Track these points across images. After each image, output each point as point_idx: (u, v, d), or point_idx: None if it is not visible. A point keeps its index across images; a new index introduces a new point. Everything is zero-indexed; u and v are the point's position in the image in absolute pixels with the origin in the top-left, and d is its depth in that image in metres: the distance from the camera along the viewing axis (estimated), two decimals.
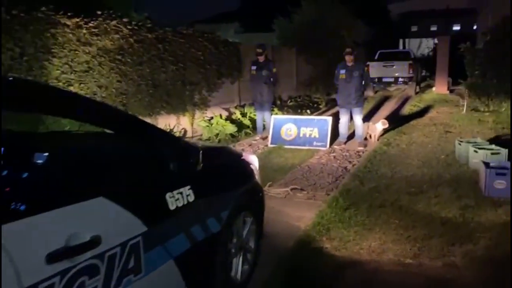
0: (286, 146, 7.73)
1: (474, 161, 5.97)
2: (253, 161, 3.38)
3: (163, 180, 2.22)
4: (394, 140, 8.12)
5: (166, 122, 7.72)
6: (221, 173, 2.75)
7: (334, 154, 7.16)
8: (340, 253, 3.72)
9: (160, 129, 2.42)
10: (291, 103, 11.97)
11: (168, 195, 2.18)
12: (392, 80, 16.84)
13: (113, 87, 6.21)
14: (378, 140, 8.05)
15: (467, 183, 5.38)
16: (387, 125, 8.03)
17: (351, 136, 8.17)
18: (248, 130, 8.96)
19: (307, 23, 15.67)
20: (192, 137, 8.32)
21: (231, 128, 8.31)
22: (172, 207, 2.18)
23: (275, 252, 3.65)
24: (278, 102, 11.70)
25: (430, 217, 4.41)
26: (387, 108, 13.16)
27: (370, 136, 8.12)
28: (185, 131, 8.22)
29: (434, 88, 17.62)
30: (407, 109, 12.77)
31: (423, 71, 21.98)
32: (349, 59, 7.47)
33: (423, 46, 33.20)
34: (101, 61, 5.96)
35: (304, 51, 14.34)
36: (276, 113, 10.34)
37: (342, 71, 7.56)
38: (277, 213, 4.53)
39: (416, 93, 16.91)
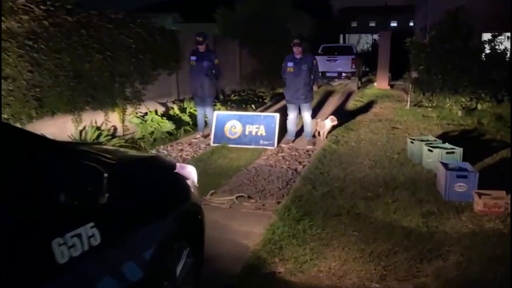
0: (230, 145, 7.06)
1: (429, 160, 5.68)
2: (190, 173, 2.68)
3: (47, 220, 1.47)
4: (343, 137, 7.73)
5: (93, 118, 6.75)
6: (143, 196, 2.02)
7: (282, 154, 6.60)
8: (296, 278, 3.14)
9: (45, 139, 1.65)
10: (234, 98, 11.31)
11: (56, 241, 1.44)
12: (335, 74, 16.73)
13: (23, 79, 5.18)
14: (326, 137, 7.62)
15: (424, 185, 5.03)
16: (336, 122, 7.61)
17: (299, 133, 7.66)
18: (188, 127, 8.18)
19: (250, 14, 15.04)
20: (124, 135, 7.40)
21: (168, 125, 7.49)
22: (62, 259, 1.44)
23: (219, 283, 2.99)
24: (221, 97, 11.00)
25: (391, 227, 3.96)
26: (332, 104, 12.92)
27: (319, 134, 7.66)
28: (115, 129, 7.28)
29: (375, 83, 17.76)
30: (351, 105, 12.59)
31: (364, 66, 22.24)
32: (297, 51, 6.93)
33: (362, 41, 33.84)
34: (6, 47, 4.92)
35: (248, 43, 13.70)
36: (219, 109, 9.65)
37: (290, 64, 7.00)
38: (221, 229, 3.85)
39: (358, 88, 16.93)
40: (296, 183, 5.15)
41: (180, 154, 6.57)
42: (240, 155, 6.52)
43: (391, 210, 4.32)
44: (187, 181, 2.55)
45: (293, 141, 7.35)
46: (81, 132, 6.35)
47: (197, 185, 2.79)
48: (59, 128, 6.02)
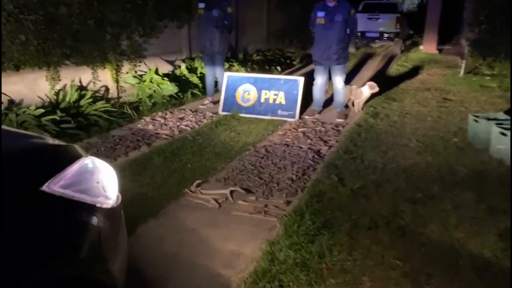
0: (242, 115, 5.79)
1: (500, 147, 4.20)
2: (96, 186, 1.41)
3: None
4: (383, 109, 6.27)
5: (76, 76, 5.57)
6: None
7: (304, 128, 5.24)
8: None
9: None
10: (257, 58, 9.86)
11: None
12: (376, 35, 14.91)
13: None
14: (362, 109, 6.18)
15: (495, 184, 3.62)
16: (376, 89, 6.12)
17: (328, 102, 6.25)
18: (196, 91, 6.91)
19: None
20: (118, 98, 6.21)
21: (170, 88, 6.24)
22: None
23: None
24: (241, 56, 9.58)
25: (454, 254, 2.63)
26: (371, 68, 11.31)
27: (353, 104, 6.22)
28: (107, 90, 6.10)
29: (421, 47, 15.87)
30: (394, 70, 10.95)
31: (408, 28, 20.07)
32: None
33: (407, 1, 30.99)
34: None
35: None
36: (237, 70, 8.30)
37: (321, 14, 5.50)
38: (195, 245, 2.63)
39: (402, 51, 15.09)
40: (317, 173, 3.83)
41: (178, 124, 5.34)
42: (250, 129, 5.22)
43: (452, 224, 2.96)
44: (92, 202, 1.29)
45: (319, 113, 5.96)
46: (58, 92, 5.20)
47: (118, 202, 1.53)
48: (28, 86, 4.90)
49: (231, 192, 3.29)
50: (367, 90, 6.04)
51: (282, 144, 4.59)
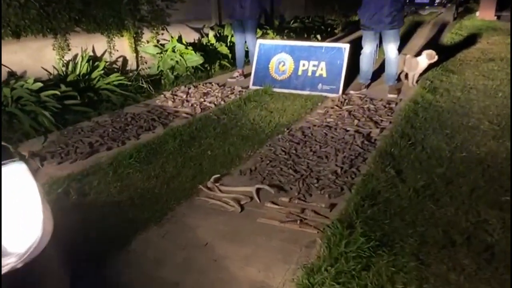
0: (275, 90, 5.03)
1: None
2: None
3: None
4: (441, 83, 5.33)
5: (88, 45, 4.95)
6: None
7: (349, 106, 4.41)
8: None
9: None
10: (295, 25, 8.94)
11: None
12: (427, 1, 13.55)
13: None
14: (417, 82, 5.26)
15: None
16: (435, 59, 5.17)
17: (376, 74, 5.37)
18: (225, 62, 6.17)
19: None
20: (138, 70, 5.56)
21: (194, 59, 5.52)
22: None
23: None
24: (276, 23, 8.70)
25: None
26: (421, 36, 10.21)
27: (406, 77, 5.30)
28: (125, 61, 5.46)
29: (477, 13, 14.39)
30: (448, 38, 9.77)
31: None
32: None
33: None
34: None
35: None
36: (272, 38, 7.46)
37: None
38: (206, 269, 1.94)
39: (454, 18, 13.73)
40: (368, 164, 3.04)
41: (201, 100, 4.64)
42: (285, 106, 4.45)
43: None
44: None
45: (367, 87, 5.10)
46: (67, 63, 4.60)
47: (37, 251, 0.84)
48: (31, 56, 4.32)
49: (258, 190, 2.57)
50: (424, 60, 5.09)
51: (323, 126, 3.80)
